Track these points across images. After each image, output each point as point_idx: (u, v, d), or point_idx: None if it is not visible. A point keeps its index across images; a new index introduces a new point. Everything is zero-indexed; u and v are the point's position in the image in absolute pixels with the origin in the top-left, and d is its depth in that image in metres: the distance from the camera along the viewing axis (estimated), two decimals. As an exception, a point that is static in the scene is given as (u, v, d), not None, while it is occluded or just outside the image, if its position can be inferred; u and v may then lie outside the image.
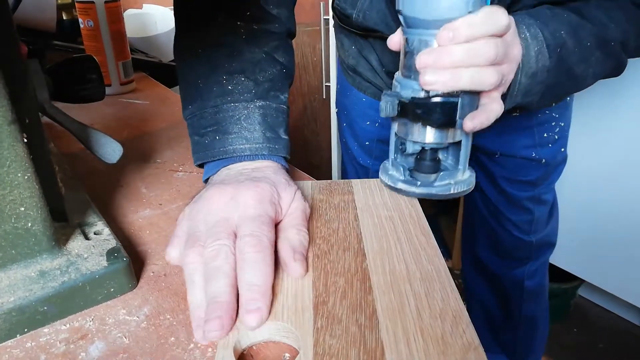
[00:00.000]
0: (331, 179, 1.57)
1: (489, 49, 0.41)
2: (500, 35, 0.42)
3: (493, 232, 0.97)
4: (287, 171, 0.49)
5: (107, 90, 0.88)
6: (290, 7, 0.56)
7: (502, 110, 0.45)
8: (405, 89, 0.45)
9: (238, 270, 0.35)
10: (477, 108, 0.45)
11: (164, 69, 1.16)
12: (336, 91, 0.95)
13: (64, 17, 1.20)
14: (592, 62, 0.53)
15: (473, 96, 0.44)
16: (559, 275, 1.51)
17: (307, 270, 0.38)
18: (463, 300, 1.61)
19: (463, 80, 0.41)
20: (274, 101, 0.50)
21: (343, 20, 0.80)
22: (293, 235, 0.40)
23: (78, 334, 0.34)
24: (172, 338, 0.34)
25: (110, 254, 0.38)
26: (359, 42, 0.80)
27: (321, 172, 2.16)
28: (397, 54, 0.69)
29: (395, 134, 0.50)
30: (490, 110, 0.44)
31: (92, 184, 0.56)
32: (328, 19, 1.68)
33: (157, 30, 1.32)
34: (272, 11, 0.52)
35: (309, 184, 0.53)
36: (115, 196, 0.54)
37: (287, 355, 0.33)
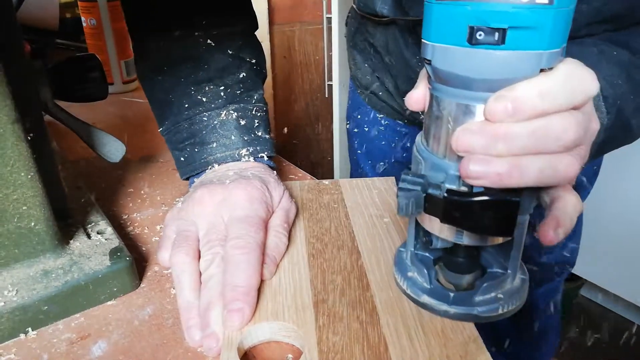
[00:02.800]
0: (333, 177, 1.57)
1: (569, 130, 0.27)
2: (581, 106, 0.29)
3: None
4: (275, 169, 0.48)
5: (110, 88, 0.88)
6: (245, 3, 0.52)
7: (582, 205, 0.32)
8: (435, 170, 0.31)
9: (224, 273, 0.35)
10: (538, 201, 0.32)
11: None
12: (348, 106, 0.90)
13: (67, 16, 1.20)
14: None
15: (536, 190, 0.30)
16: (561, 275, 1.50)
17: (273, 274, 0.37)
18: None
19: (529, 176, 0.27)
20: (247, 103, 0.48)
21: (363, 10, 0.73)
22: (270, 238, 0.39)
23: (81, 334, 0.34)
24: (175, 338, 0.34)
25: (113, 253, 0.38)
26: (372, 61, 0.76)
27: (323, 170, 2.16)
28: (407, 75, 0.59)
29: (416, 220, 0.35)
30: (570, 207, 0.30)
31: (94, 183, 0.56)
32: (330, 17, 1.68)
33: (160, 29, 1.32)
34: (230, 12, 0.49)
35: (297, 184, 0.53)
36: (118, 195, 0.54)
37: (290, 356, 0.32)
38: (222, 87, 0.47)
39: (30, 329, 0.34)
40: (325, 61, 1.88)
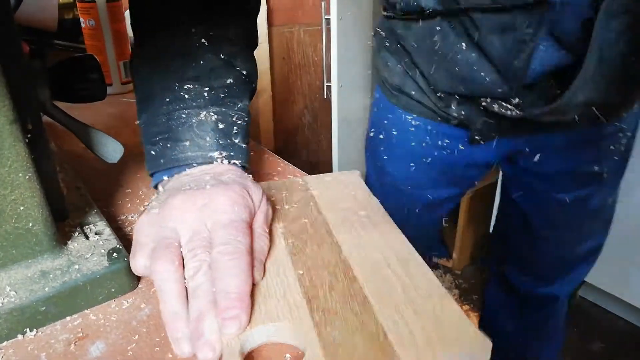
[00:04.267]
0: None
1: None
2: None
3: (530, 251, 0.91)
4: (250, 173, 0.47)
5: (108, 89, 0.88)
6: (249, 14, 0.53)
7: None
8: None
9: (214, 280, 0.34)
10: None
11: (165, 68, 1.16)
12: (372, 113, 0.90)
13: (65, 17, 1.20)
14: None
15: None
16: (559, 276, 1.50)
17: (262, 277, 0.37)
18: (471, 304, 1.61)
19: None
20: (229, 108, 0.47)
21: (390, 9, 0.75)
22: (255, 241, 0.39)
23: (78, 334, 0.34)
24: (173, 338, 0.34)
25: (111, 254, 0.38)
26: (405, 61, 0.77)
27: (322, 171, 2.15)
28: (445, 72, 0.64)
29: None
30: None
31: (93, 184, 0.56)
32: (329, 18, 1.68)
33: (158, 30, 1.32)
34: (230, 17, 0.49)
35: (265, 184, 0.53)
36: (116, 196, 0.54)
37: (288, 355, 0.32)
38: (206, 88, 0.46)
39: (28, 329, 0.34)
40: (324, 62, 1.88)
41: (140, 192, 0.55)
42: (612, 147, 0.75)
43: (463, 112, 0.73)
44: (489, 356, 0.32)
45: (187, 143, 0.44)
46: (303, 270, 0.38)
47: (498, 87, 0.66)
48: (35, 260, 0.36)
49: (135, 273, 0.38)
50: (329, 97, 1.94)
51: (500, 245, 1.02)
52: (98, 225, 0.42)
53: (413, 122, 0.80)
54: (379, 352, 0.30)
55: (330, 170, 2.04)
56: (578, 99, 0.60)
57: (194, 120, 0.45)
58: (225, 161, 0.45)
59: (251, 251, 0.37)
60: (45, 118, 0.43)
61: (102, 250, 0.38)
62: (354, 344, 0.30)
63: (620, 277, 1.44)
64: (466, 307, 1.67)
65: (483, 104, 0.69)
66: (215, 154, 0.44)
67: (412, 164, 0.83)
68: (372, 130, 0.89)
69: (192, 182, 0.42)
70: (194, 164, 0.44)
